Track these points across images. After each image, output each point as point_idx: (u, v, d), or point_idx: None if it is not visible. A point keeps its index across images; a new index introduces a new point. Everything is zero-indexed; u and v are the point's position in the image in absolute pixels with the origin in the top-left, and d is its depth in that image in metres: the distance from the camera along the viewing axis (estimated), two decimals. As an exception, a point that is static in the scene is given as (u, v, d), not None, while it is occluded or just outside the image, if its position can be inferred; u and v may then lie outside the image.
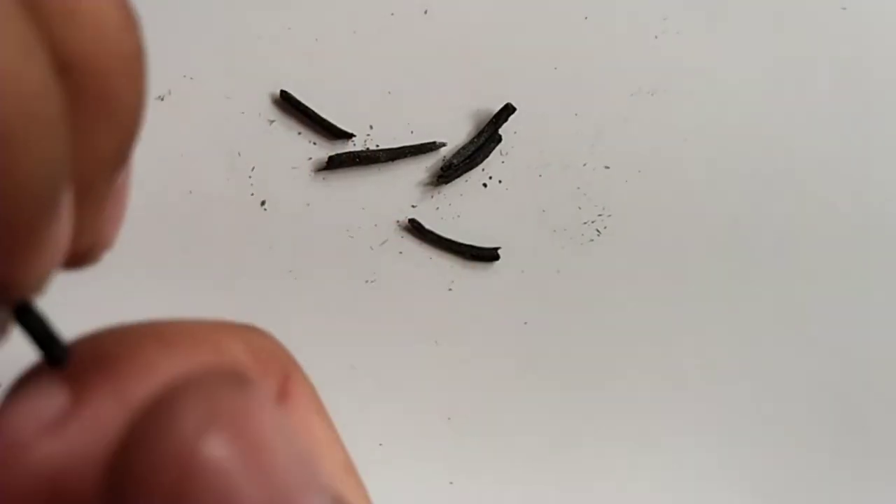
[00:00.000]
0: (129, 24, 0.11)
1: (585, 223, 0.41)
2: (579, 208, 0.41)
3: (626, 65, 0.41)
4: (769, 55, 0.41)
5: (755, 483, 0.41)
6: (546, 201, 0.40)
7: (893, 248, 0.42)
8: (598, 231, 0.41)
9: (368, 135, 0.40)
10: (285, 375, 0.17)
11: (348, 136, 0.39)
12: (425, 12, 0.40)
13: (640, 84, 0.41)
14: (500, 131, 0.40)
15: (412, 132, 0.40)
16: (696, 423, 0.41)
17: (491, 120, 0.40)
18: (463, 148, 0.40)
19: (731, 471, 0.41)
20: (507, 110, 0.39)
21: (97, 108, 0.11)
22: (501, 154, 0.40)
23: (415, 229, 0.39)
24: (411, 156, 0.40)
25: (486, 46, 0.40)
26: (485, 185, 0.40)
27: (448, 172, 0.39)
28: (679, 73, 0.41)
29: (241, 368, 0.15)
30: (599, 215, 0.41)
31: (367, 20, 0.39)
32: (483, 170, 0.40)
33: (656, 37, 0.41)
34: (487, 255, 0.40)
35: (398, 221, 0.40)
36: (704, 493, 0.41)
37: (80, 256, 0.12)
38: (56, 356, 0.12)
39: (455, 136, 0.40)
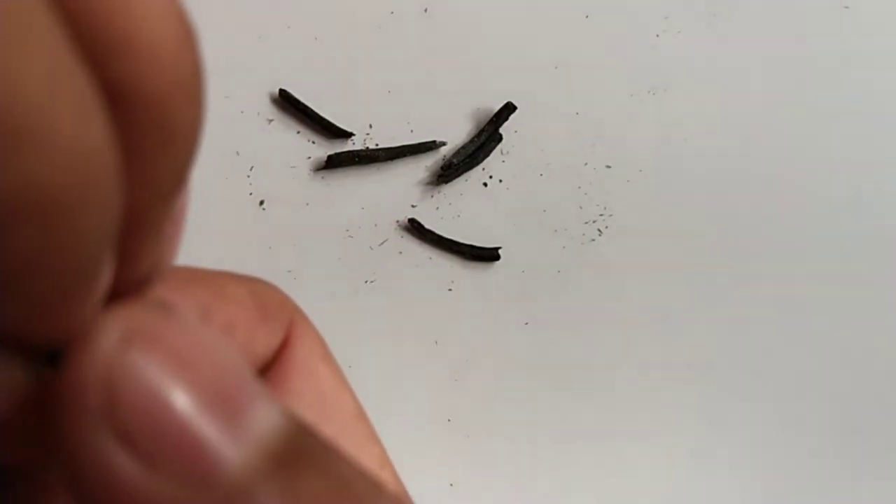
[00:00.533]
0: (189, 43, 0.10)
1: (586, 223, 0.40)
2: (580, 208, 0.40)
3: (628, 64, 0.41)
4: (770, 54, 0.41)
5: (758, 481, 0.41)
6: (547, 201, 0.40)
7: (894, 247, 0.42)
8: (599, 231, 0.40)
9: (368, 134, 0.39)
10: (290, 323, 0.17)
11: (348, 135, 0.39)
12: (425, 10, 0.40)
13: (642, 83, 0.41)
14: (501, 130, 0.40)
15: (412, 131, 0.40)
16: (697, 422, 0.41)
17: (491, 119, 0.40)
18: (463, 147, 0.40)
19: (731, 470, 0.41)
20: (508, 109, 0.39)
21: (154, 137, 0.10)
22: (502, 153, 0.40)
23: (415, 229, 0.39)
24: (411, 155, 0.39)
25: (487, 45, 0.40)
26: (485, 184, 0.40)
27: (448, 172, 0.39)
28: (680, 72, 0.41)
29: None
30: (601, 215, 0.40)
31: (366, 18, 0.39)
32: (483, 169, 0.40)
33: (657, 36, 0.41)
34: (487, 255, 0.39)
35: (398, 221, 0.39)
36: (705, 493, 0.41)
37: (137, 283, 0.12)
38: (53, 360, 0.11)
39: (455, 135, 0.40)
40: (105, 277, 0.10)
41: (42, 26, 0.07)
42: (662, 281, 0.41)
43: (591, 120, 0.40)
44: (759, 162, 0.41)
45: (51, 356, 0.11)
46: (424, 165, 0.40)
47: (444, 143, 0.40)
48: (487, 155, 0.40)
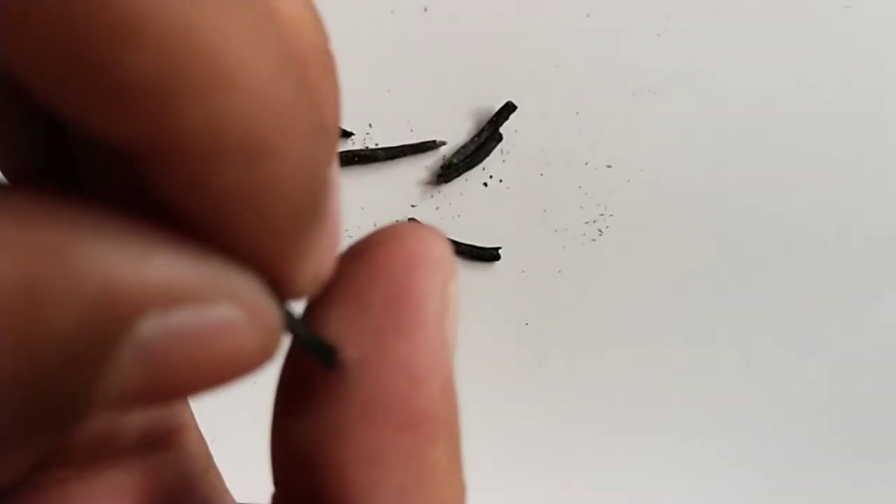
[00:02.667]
0: (320, 23, 0.11)
1: (587, 223, 0.40)
2: (581, 208, 0.40)
3: (628, 63, 0.40)
4: (772, 53, 0.41)
5: (758, 481, 0.41)
6: (547, 201, 0.40)
7: (894, 247, 0.42)
8: (599, 231, 0.40)
9: (368, 133, 0.39)
10: None
11: (347, 134, 0.39)
12: (425, 10, 0.40)
13: (643, 82, 0.41)
14: (501, 130, 0.39)
15: (412, 131, 0.39)
16: (697, 421, 0.41)
17: (491, 118, 0.39)
18: (463, 147, 0.39)
19: (732, 470, 0.41)
20: (508, 109, 0.39)
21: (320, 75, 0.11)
22: (502, 153, 0.40)
23: (414, 229, 0.39)
24: (411, 154, 0.39)
25: (487, 44, 0.40)
26: (485, 184, 0.40)
27: (448, 171, 0.39)
28: (681, 71, 0.41)
29: None
30: (601, 215, 0.40)
31: (366, 17, 0.39)
32: (483, 169, 0.40)
33: (658, 35, 0.41)
34: (487, 255, 0.39)
35: (398, 221, 0.39)
36: (706, 492, 0.41)
37: (300, 290, 0.12)
38: (327, 359, 0.11)
39: (455, 134, 0.40)
40: (331, 235, 0.11)
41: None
42: (662, 281, 0.41)
43: (592, 119, 0.40)
44: (759, 162, 0.41)
45: (287, 316, 0.11)
46: (424, 165, 0.40)
47: (444, 143, 0.40)
48: (487, 155, 0.40)
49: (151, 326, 0.09)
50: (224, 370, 0.10)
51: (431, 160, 0.40)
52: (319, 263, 0.11)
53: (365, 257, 0.12)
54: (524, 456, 0.40)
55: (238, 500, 0.17)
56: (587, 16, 0.40)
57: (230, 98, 0.08)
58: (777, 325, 0.41)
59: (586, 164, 0.40)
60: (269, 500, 0.13)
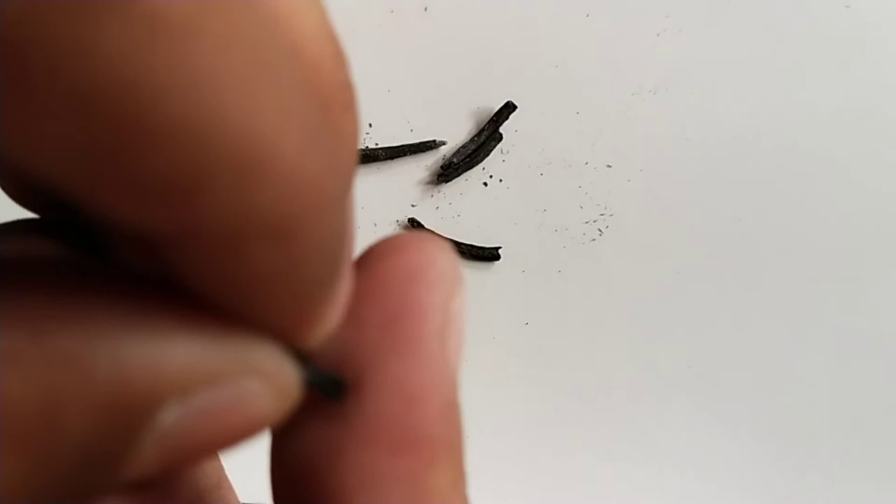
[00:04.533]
0: (342, 56, 0.11)
1: (587, 223, 0.40)
2: (581, 207, 0.40)
3: (628, 63, 0.40)
4: (772, 53, 0.41)
5: (758, 480, 0.41)
6: (547, 200, 0.40)
7: (894, 247, 0.42)
8: (599, 231, 0.40)
9: (367, 133, 0.39)
10: None
11: (347, 134, 0.39)
12: (425, 9, 0.40)
13: (642, 82, 0.41)
14: (501, 129, 0.39)
15: (412, 130, 0.39)
16: (696, 421, 0.41)
17: (491, 118, 0.39)
18: (463, 146, 0.39)
19: (732, 469, 0.41)
20: (508, 108, 0.39)
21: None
22: (502, 153, 0.40)
23: (415, 229, 0.39)
24: (411, 154, 0.39)
25: (487, 44, 0.40)
26: (485, 183, 0.40)
27: (448, 171, 0.39)
28: (681, 71, 0.41)
29: None
30: (601, 215, 0.40)
31: (366, 17, 0.39)
32: (483, 168, 0.40)
33: (658, 35, 0.41)
34: (487, 255, 0.39)
35: (398, 221, 0.39)
36: (706, 491, 0.41)
37: (315, 344, 0.11)
38: (333, 393, 0.11)
39: (455, 134, 0.40)
40: (344, 285, 0.10)
41: (274, 58, 0.08)
42: (662, 281, 0.41)
43: (592, 119, 0.40)
44: (758, 162, 0.41)
45: (327, 384, 0.11)
46: (424, 165, 0.40)
47: (444, 143, 0.40)
48: (487, 154, 0.40)
49: (172, 414, 0.09)
50: (242, 435, 0.10)
51: (431, 160, 0.40)
52: (335, 316, 0.10)
53: (364, 271, 0.11)
54: (524, 456, 0.40)
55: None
56: (587, 16, 0.40)
57: (260, 183, 0.08)
58: (777, 325, 0.41)
59: (586, 163, 0.40)
60: None
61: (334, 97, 0.10)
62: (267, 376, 0.10)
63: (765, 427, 0.41)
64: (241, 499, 0.17)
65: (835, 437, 0.42)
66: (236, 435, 0.10)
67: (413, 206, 0.39)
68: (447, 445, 0.12)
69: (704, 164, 0.41)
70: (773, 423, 0.41)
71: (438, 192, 0.40)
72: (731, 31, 0.41)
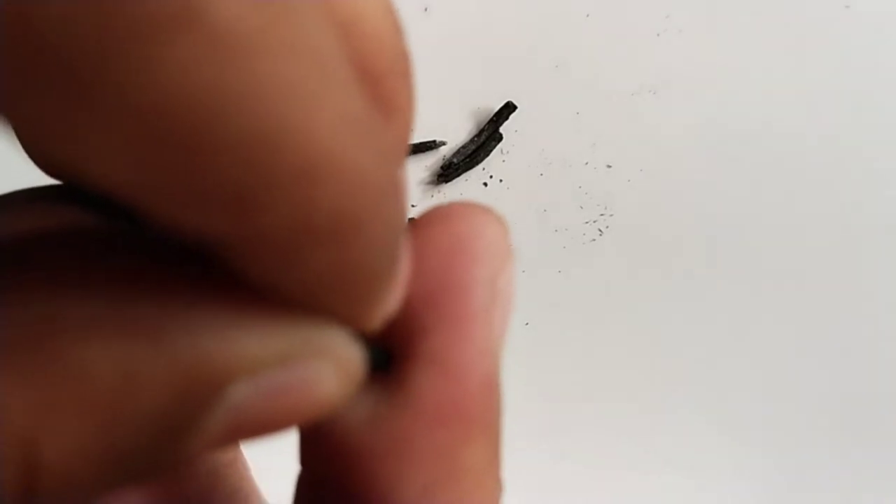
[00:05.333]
0: (399, 25, 0.11)
1: (587, 223, 0.40)
2: (581, 208, 0.40)
3: (628, 63, 0.40)
4: (771, 53, 0.41)
5: (758, 479, 0.41)
6: (547, 201, 0.40)
7: (894, 247, 0.42)
8: (599, 231, 0.40)
9: (368, 133, 0.39)
10: None
11: (347, 134, 0.39)
12: (425, 10, 0.40)
13: (642, 82, 0.41)
14: (501, 130, 0.39)
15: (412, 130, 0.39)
16: (697, 421, 0.41)
17: (491, 118, 0.39)
18: (463, 147, 0.39)
19: (732, 468, 0.41)
20: (508, 108, 0.39)
21: (383, 112, 0.11)
22: (502, 153, 0.40)
23: (415, 229, 0.39)
24: (411, 154, 0.39)
25: (487, 44, 0.40)
26: (485, 184, 0.40)
27: (448, 171, 0.39)
28: (681, 71, 0.41)
29: None
30: (601, 215, 0.40)
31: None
32: (484, 169, 0.40)
33: (658, 35, 0.41)
34: (488, 255, 0.39)
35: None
36: (706, 490, 0.41)
37: (376, 325, 0.11)
38: (381, 363, 0.11)
39: (455, 134, 0.40)
40: (403, 267, 0.11)
41: (335, 63, 0.08)
42: (662, 280, 0.41)
43: (592, 119, 0.40)
44: (758, 162, 0.41)
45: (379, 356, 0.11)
46: (424, 165, 0.40)
47: (444, 143, 0.40)
48: (487, 155, 0.40)
49: (241, 391, 0.09)
50: (306, 415, 0.10)
51: (431, 160, 0.40)
52: (396, 298, 0.11)
53: (411, 241, 0.11)
54: (523, 455, 0.40)
55: (259, 483, 0.17)
56: (587, 16, 0.40)
57: (321, 186, 0.08)
58: (777, 325, 0.41)
59: (586, 164, 0.40)
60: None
61: (390, 65, 0.10)
62: (335, 360, 0.10)
63: (765, 425, 0.41)
64: (260, 480, 0.17)
65: (836, 438, 0.42)
66: (301, 415, 0.10)
67: (413, 206, 0.39)
68: (485, 424, 0.12)
69: (704, 163, 0.41)
70: (774, 421, 0.41)
71: (439, 192, 0.40)
72: (731, 31, 0.41)
